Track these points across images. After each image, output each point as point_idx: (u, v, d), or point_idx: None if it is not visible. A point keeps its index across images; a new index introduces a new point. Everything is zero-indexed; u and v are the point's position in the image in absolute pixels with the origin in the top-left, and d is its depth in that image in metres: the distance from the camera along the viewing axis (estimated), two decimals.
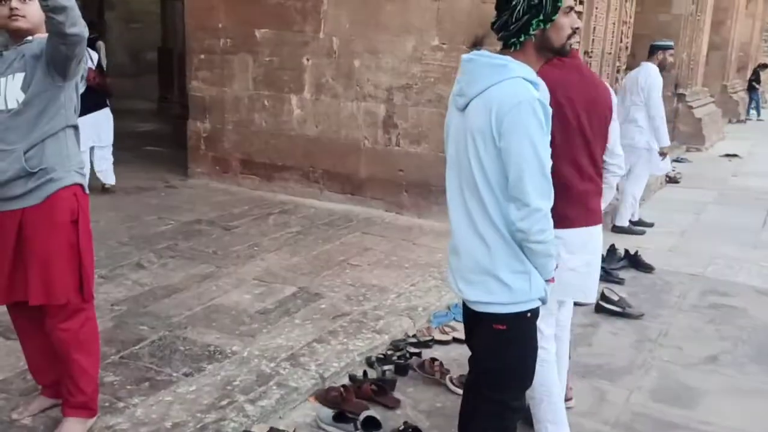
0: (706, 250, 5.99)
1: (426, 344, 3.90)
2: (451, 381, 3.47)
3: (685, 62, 11.44)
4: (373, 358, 3.71)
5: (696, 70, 12.20)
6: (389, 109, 6.29)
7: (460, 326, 3.75)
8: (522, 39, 2.00)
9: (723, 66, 14.95)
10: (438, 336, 3.98)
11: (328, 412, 3.16)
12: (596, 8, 6.80)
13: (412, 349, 3.80)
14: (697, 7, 11.41)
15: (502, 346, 2.13)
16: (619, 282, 5.04)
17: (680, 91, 11.51)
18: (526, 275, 2.06)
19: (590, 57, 7.07)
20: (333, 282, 4.65)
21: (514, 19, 1.98)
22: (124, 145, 7.52)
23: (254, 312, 4.13)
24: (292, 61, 6.69)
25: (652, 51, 6.49)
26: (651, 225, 6.65)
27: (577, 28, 2.03)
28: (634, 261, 5.41)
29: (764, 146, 12.63)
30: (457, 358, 3.71)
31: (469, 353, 2.32)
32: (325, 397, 3.29)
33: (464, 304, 2.29)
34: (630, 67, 7.21)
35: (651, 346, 4.11)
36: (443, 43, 5.97)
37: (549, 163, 1.98)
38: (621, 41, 8.02)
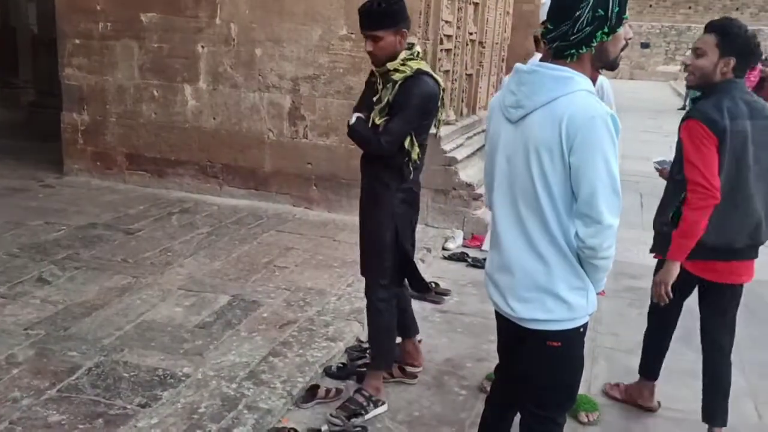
0: None
1: None
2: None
3: None
4: (333, 368, 3.55)
5: None
6: (295, 101, 6.03)
7: None
8: (583, 51, 1.92)
9: None
10: None
11: None
12: None
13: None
14: None
15: (556, 363, 2.08)
16: None
17: None
18: (584, 291, 2.02)
19: (483, 47, 7.19)
20: (266, 287, 4.40)
21: (576, 30, 1.88)
22: None
23: (192, 327, 3.81)
24: (184, 49, 6.23)
25: None
26: None
27: (630, 38, 1.98)
28: None
29: None
30: None
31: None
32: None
33: (500, 320, 2.21)
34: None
35: (591, 335, 4.24)
36: (351, 33, 5.79)
37: (619, 179, 1.94)
38: (505, 31, 8.26)
